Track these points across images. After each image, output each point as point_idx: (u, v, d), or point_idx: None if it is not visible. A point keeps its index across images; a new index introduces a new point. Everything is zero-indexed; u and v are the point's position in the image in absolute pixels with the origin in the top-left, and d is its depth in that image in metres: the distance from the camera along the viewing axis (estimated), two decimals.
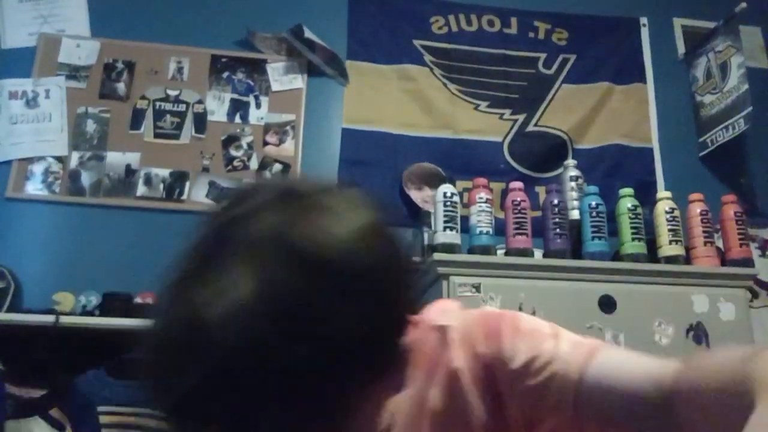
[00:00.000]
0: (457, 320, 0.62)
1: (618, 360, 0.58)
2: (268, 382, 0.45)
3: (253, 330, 0.45)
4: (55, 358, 1.69)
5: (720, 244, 2.18)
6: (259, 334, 0.45)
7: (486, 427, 0.57)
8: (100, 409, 1.65)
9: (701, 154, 2.77)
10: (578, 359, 0.57)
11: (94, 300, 2.01)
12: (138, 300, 2.00)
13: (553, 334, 0.60)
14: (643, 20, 2.97)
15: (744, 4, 2.61)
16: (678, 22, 3.01)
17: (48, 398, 1.63)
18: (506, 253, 2.01)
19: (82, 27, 2.54)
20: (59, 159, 2.38)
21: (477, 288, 1.83)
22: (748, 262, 2.10)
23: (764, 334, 2.24)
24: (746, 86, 2.54)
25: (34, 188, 2.33)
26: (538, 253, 2.04)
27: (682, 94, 2.89)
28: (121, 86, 2.50)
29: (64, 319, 1.81)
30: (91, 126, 2.43)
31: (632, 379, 0.54)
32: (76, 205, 2.34)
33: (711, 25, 2.84)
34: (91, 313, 1.96)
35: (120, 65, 2.52)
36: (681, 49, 2.96)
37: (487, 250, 1.97)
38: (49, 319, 1.79)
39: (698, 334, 1.91)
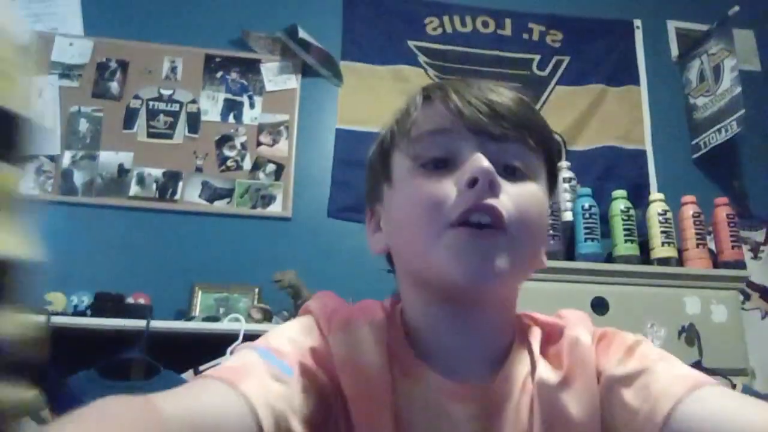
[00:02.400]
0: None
1: (722, 401, 0.51)
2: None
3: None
4: (46, 359, 1.67)
5: (712, 246, 2.19)
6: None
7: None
8: None
9: (694, 156, 2.78)
10: (678, 390, 0.53)
11: (86, 300, 2.00)
12: (130, 300, 1.99)
13: (662, 356, 0.60)
14: (637, 22, 2.98)
15: (737, 7, 2.63)
16: (672, 25, 3.02)
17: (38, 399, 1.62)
18: None
19: (75, 26, 2.53)
20: (51, 158, 2.37)
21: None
22: (740, 265, 2.10)
23: (756, 336, 2.25)
24: (739, 89, 2.55)
25: (26, 187, 2.31)
26: None
27: (676, 96, 2.90)
28: (114, 85, 2.49)
29: (56, 319, 1.80)
30: (83, 125, 2.42)
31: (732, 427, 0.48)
32: (68, 205, 2.33)
33: (704, 27, 2.85)
34: (82, 313, 1.95)
35: (113, 64, 2.51)
36: (674, 51, 2.97)
37: None
38: (41, 318, 1.78)
39: (690, 335, 1.91)
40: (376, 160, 0.67)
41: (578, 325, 0.64)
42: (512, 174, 0.58)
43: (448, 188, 0.57)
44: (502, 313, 0.63)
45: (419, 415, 0.57)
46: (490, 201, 0.55)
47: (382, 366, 0.57)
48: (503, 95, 0.60)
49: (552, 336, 0.64)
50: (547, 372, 0.60)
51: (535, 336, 0.65)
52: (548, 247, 0.56)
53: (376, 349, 0.58)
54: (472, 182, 0.55)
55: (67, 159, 2.38)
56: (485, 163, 0.55)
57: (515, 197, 0.57)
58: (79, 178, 2.36)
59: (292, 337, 0.58)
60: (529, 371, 0.61)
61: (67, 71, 2.47)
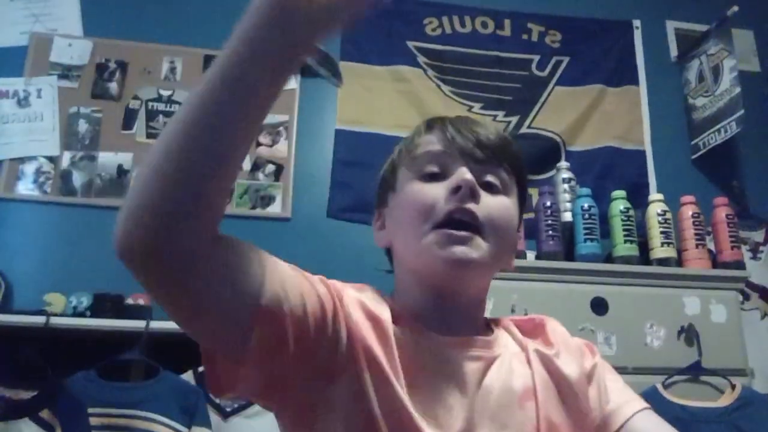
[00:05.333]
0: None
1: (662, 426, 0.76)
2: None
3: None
4: (46, 360, 1.67)
5: (712, 246, 2.19)
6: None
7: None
8: (91, 410, 1.63)
9: (693, 156, 2.78)
10: (636, 402, 0.78)
11: (85, 301, 2.00)
12: (129, 301, 1.99)
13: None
14: (636, 23, 2.98)
15: (736, 8, 2.63)
16: (671, 25, 3.02)
17: (38, 400, 1.62)
18: None
19: (74, 26, 2.52)
20: (51, 159, 2.37)
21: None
22: (739, 265, 2.11)
23: (755, 336, 2.25)
24: (738, 89, 2.55)
25: (26, 188, 2.31)
26: (530, 255, 2.04)
27: (675, 96, 2.90)
28: (113, 86, 2.49)
29: (55, 320, 1.80)
30: (83, 126, 2.42)
31: None
32: (67, 206, 2.32)
33: (704, 28, 2.85)
34: (82, 314, 1.94)
35: (112, 65, 2.51)
36: (674, 51, 2.97)
37: None
38: (40, 320, 1.78)
39: (689, 336, 1.91)
40: (387, 173, 0.83)
41: (554, 322, 0.83)
42: (490, 188, 0.74)
43: (438, 193, 0.73)
44: (476, 298, 0.78)
45: (427, 358, 0.69)
46: (470, 205, 0.71)
47: (387, 317, 0.69)
48: (488, 130, 0.77)
49: (531, 327, 0.82)
50: (540, 346, 0.78)
51: (511, 326, 0.81)
52: (516, 253, 0.67)
53: (382, 305, 0.71)
54: (456, 189, 0.71)
55: (66, 160, 2.37)
56: (468, 175, 0.72)
57: (490, 205, 0.73)
58: (78, 178, 2.36)
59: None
60: (516, 345, 0.78)
61: (66, 72, 2.47)
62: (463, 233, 0.70)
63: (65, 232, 2.29)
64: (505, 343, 0.77)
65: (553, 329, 0.81)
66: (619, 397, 0.77)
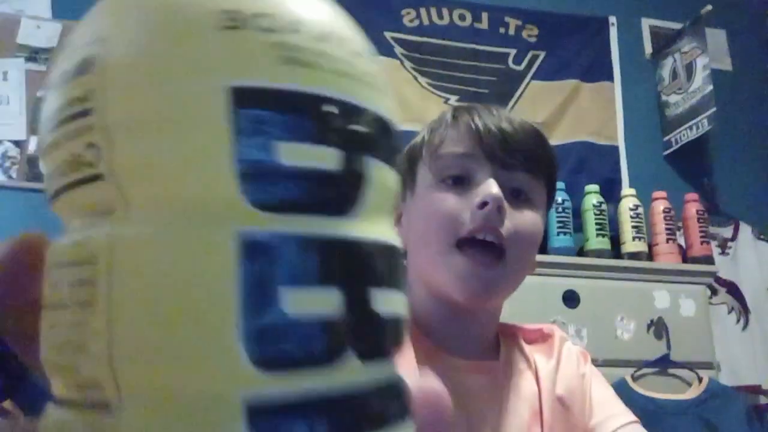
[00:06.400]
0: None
1: None
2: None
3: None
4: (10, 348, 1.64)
5: (682, 241, 2.22)
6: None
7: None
8: None
9: (665, 153, 2.81)
10: (622, 416, 0.75)
11: None
12: None
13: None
14: (612, 19, 3.00)
15: (709, 7, 2.66)
16: (646, 23, 3.05)
17: (1, 390, 1.58)
18: None
19: (42, 7, 2.46)
20: (17, 143, 2.31)
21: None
22: (708, 260, 2.14)
23: (722, 331, 2.29)
24: (711, 87, 2.58)
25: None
26: None
27: (649, 93, 2.94)
28: None
29: None
30: None
31: None
32: (34, 191, 2.27)
33: (678, 26, 2.89)
34: None
35: None
36: (648, 49, 3.00)
37: None
38: None
39: (659, 329, 1.94)
40: (403, 163, 0.76)
41: (561, 332, 0.82)
42: (517, 197, 0.69)
43: (462, 206, 0.67)
44: (491, 313, 0.75)
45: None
46: (496, 224, 0.66)
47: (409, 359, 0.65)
48: (520, 129, 0.71)
49: (538, 337, 0.79)
50: (543, 357, 0.76)
51: (519, 336, 0.78)
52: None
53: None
54: (483, 205, 0.65)
55: (33, 145, 2.32)
56: (495, 189, 0.66)
57: (517, 223, 0.68)
58: None
59: None
60: (524, 361, 0.75)
61: (34, 54, 2.40)
62: (487, 259, 0.66)
63: (31, 218, 2.24)
64: (514, 362, 0.74)
65: (562, 339, 0.79)
66: (604, 411, 0.75)
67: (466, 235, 0.66)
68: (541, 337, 0.79)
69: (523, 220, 0.69)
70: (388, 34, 2.75)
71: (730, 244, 2.61)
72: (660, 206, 2.17)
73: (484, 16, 2.88)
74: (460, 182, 0.69)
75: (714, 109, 2.54)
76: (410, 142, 0.78)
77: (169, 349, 0.15)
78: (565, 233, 2.08)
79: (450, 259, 0.66)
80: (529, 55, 2.86)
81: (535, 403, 0.71)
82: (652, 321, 1.95)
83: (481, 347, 0.73)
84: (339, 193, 0.17)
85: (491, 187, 0.66)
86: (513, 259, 0.67)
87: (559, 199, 2.11)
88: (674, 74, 2.82)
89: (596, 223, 2.10)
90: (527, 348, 0.76)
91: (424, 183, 0.72)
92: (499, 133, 0.69)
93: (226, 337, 0.15)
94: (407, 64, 2.73)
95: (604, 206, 2.13)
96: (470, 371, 0.70)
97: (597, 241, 2.09)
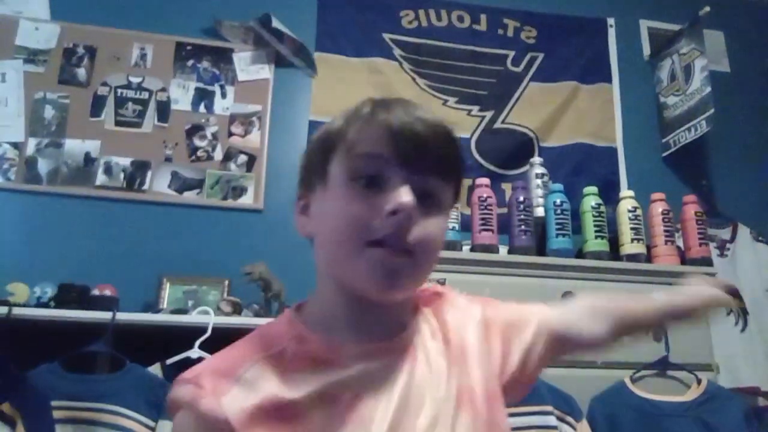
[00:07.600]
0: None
1: None
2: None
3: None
4: (7, 351, 1.63)
5: (680, 243, 2.22)
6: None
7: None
8: (55, 403, 1.59)
9: (664, 154, 2.82)
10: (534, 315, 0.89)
11: (50, 291, 1.95)
12: (95, 292, 1.94)
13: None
14: (611, 21, 3.01)
15: (708, 8, 2.66)
16: (644, 24, 3.06)
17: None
18: (472, 249, 2.01)
19: (41, 9, 2.45)
20: (15, 145, 2.30)
21: (442, 283, 1.82)
22: (707, 262, 2.14)
23: (720, 333, 2.28)
24: (709, 89, 2.59)
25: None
26: (503, 250, 2.05)
27: (647, 94, 2.94)
28: (81, 72, 2.43)
29: (18, 311, 1.75)
30: (49, 112, 2.36)
31: None
32: (32, 194, 2.26)
33: (676, 27, 2.89)
34: (45, 305, 1.89)
35: (81, 50, 2.45)
36: (647, 50, 3.00)
37: (452, 245, 1.97)
38: (2, 310, 1.73)
39: (658, 331, 1.94)
40: (317, 152, 0.76)
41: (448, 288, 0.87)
42: (427, 200, 0.71)
43: (373, 210, 0.68)
44: (399, 304, 0.77)
45: (357, 386, 0.69)
46: (405, 230, 0.68)
47: (298, 384, 0.68)
48: (433, 132, 0.72)
49: (434, 298, 0.83)
50: (443, 317, 0.80)
51: (420, 305, 0.82)
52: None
53: (283, 376, 0.69)
54: (394, 212, 0.67)
55: (31, 146, 2.31)
56: (407, 198, 0.67)
57: (427, 229, 0.70)
58: (43, 166, 2.30)
59: None
60: (427, 325, 0.78)
61: (32, 56, 2.40)
62: (395, 261, 0.68)
63: (29, 220, 2.24)
64: (421, 333, 0.77)
65: (451, 295, 0.84)
66: (519, 330, 0.84)
67: (376, 239, 0.68)
68: (437, 296, 0.83)
69: (431, 227, 0.71)
70: (386, 36, 2.75)
71: (728, 245, 2.61)
72: (658, 208, 2.17)
73: (483, 17, 2.88)
74: (373, 184, 0.70)
75: (712, 110, 2.55)
76: (324, 128, 0.78)
77: None
78: (563, 235, 2.07)
79: (360, 256, 0.68)
80: (528, 57, 2.86)
81: (447, 359, 0.75)
82: None
83: (392, 331, 0.75)
84: None
85: (403, 196, 0.68)
86: (420, 259, 0.70)
87: (558, 201, 2.11)
88: (672, 76, 2.82)
89: (595, 225, 2.10)
90: (426, 311, 0.80)
91: (336, 178, 0.72)
92: (414, 138, 0.70)
93: None
94: (406, 65, 2.73)
95: (602, 208, 2.13)
96: (372, 354, 0.72)
97: (596, 243, 2.08)
